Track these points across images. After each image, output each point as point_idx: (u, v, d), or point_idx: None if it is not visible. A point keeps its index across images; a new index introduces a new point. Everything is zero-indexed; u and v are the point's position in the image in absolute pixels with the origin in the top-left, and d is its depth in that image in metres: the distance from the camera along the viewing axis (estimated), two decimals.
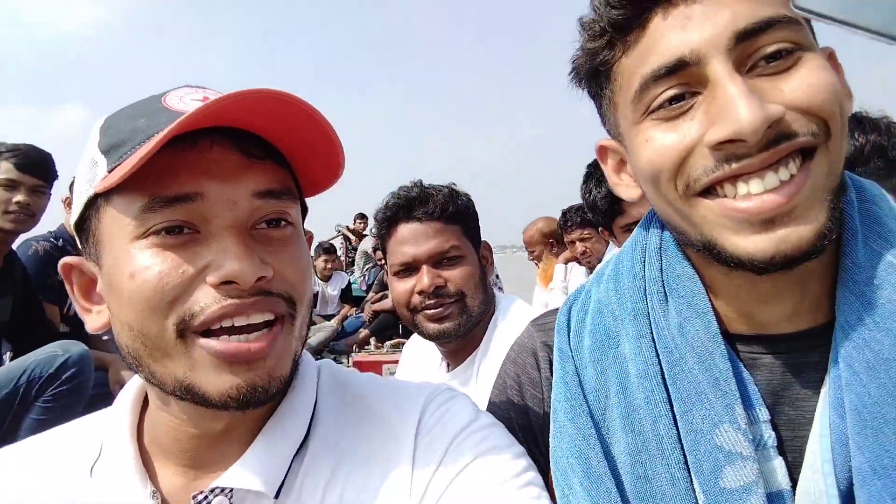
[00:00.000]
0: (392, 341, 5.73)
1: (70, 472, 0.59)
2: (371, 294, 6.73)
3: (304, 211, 0.62)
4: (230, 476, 0.55)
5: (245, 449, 0.57)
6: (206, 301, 0.50)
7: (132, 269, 0.50)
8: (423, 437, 0.60)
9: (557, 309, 0.80)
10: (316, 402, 0.62)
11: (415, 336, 1.58)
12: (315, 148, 0.56)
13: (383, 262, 7.41)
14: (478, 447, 0.59)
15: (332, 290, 6.41)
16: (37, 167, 2.07)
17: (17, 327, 2.19)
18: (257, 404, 0.53)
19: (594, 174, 1.77)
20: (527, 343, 0.80)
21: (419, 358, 1.59)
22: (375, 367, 3.98)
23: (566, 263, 3.54)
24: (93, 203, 0.54)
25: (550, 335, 0.77)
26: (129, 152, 0.51)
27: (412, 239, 1.33)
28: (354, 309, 6.71)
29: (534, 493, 0.59)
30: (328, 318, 6.24)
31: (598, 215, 1.80)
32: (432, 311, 1.31)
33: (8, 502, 0.58)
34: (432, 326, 1.32)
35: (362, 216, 8.39)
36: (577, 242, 3.26)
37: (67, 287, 0.59)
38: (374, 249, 7.21)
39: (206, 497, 0.55)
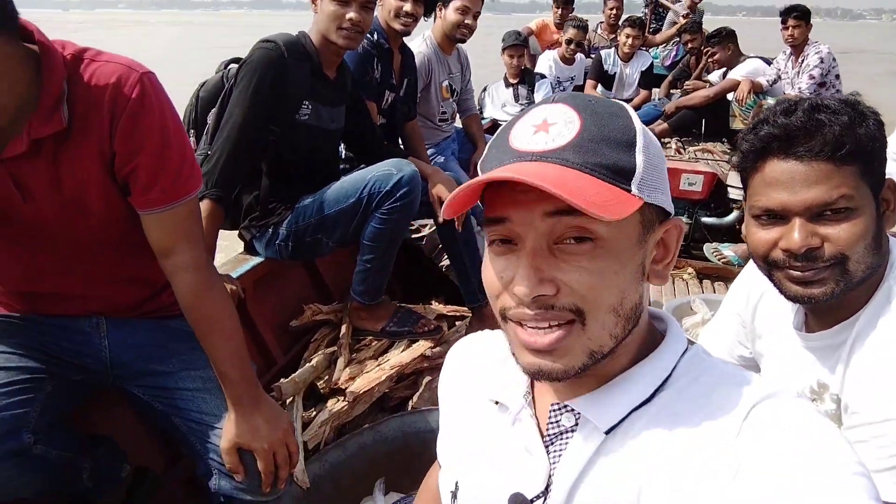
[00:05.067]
0: (696, 147, 5.21)
1: (493, 366, 0.83)
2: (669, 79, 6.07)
3: None
4: (578, 402, 0.70)
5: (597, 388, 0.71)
6: (510, 304, 0.66)
7: (486, 262, 0.68)
8: (748, 427, 0.62)
9: None
10: (671, 375, 0.69)
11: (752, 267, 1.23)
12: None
13: (690, 43, 6.48)
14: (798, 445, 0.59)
15: (632, 70, 5.87)
16: None
17: (350, 131, 2.37)
18: (551, 381, 0.66)
19: None
20: None
21: (760, 300, 1.26)
22: (674, 175, 3.48)
23: None
24: None
25: None
26: (480, 174, 0.66)
27: (787, 183, 0.98)
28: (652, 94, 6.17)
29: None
30: (626, 101, 5.85)
31: None
32: (798, 272, 1.01)
33: (462, 378, 0.86)
34: (795, 289, 1.03)
35: None
36: None
37: None
38: (681, 31, 6.30)
39: (560, 409, 0.71)
